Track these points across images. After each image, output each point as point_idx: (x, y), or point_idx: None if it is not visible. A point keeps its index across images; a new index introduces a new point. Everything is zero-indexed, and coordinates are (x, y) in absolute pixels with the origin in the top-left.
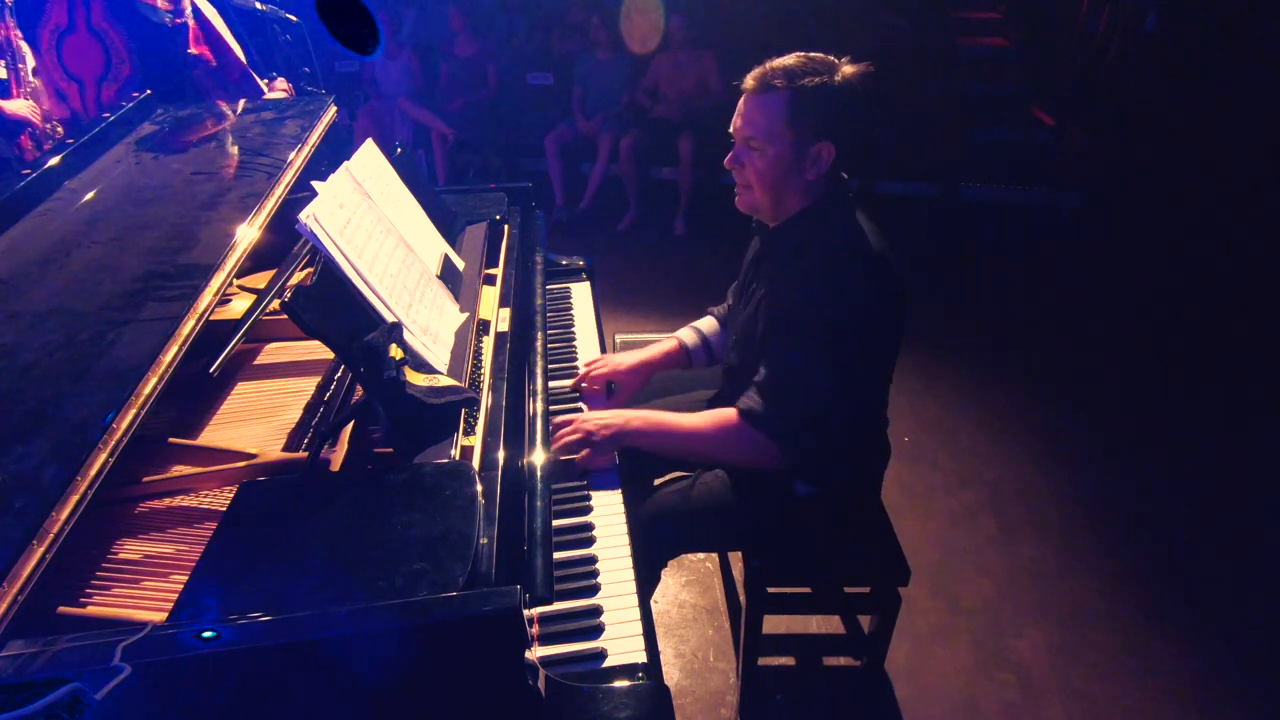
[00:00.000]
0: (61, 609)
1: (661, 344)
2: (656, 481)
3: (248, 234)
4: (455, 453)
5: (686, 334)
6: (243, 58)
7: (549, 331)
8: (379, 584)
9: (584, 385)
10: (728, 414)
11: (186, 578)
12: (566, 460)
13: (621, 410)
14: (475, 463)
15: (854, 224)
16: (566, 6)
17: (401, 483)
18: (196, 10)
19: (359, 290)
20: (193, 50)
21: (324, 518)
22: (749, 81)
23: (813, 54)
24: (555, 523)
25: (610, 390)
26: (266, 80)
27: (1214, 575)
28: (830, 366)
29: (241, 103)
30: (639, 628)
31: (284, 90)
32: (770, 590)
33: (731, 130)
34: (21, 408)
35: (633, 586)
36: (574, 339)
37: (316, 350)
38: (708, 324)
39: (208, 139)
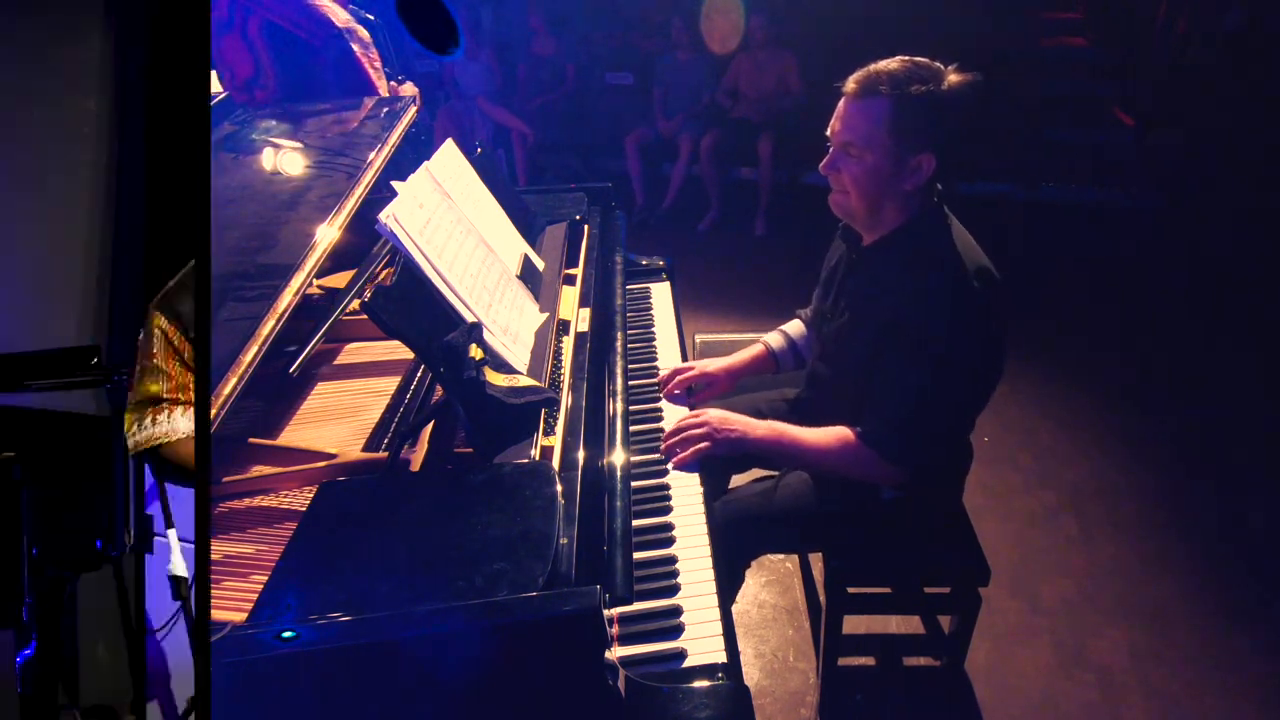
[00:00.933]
0: None
1: (749, 350)
2: (734, 480)
3: (327, 234)
4: (535, 453)
5: (773, 338)
6: (385, 90)
7: (629, 331)
8: (459, 584)
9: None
10: (847, 435)
11: (266, 578)
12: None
13: (744, 416)
14: (555, 463)
15: (954, 240)
16: (647, 7)
17: (481, 483)
18: (347, 48)
19: (439, 290)
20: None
21: (404, 518)
22: (850, 85)
23: (918, 59)
24: (635, 523)
25: (691, 392)
26: (394, 83)
27: None
28: (947, 389)
29: (321, 104)
30: (719, 628)
31: (411, 92)
32: (850, 590)
33: (829, 133)
34: None
35: (713, 587)
36: (654, 339)
37: (396, 350)
38: (794, 327)
39: (287, 139)
